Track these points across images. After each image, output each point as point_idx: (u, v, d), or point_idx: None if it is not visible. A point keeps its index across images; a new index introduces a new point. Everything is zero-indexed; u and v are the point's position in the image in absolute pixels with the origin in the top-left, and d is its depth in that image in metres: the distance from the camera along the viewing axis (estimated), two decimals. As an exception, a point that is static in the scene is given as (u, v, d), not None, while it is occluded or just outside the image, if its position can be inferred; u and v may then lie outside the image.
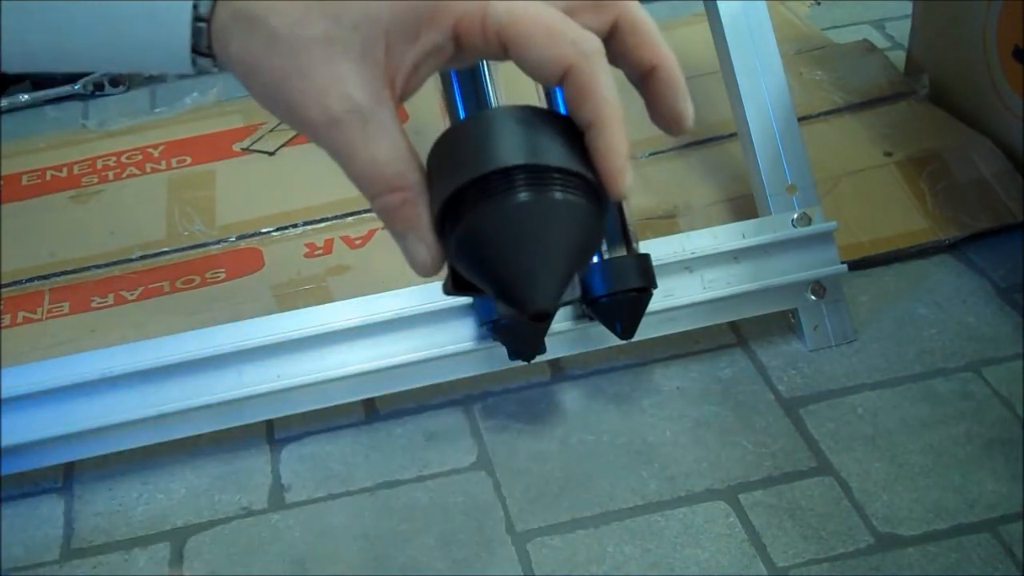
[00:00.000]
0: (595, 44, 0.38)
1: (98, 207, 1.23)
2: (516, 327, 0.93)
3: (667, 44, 0.41)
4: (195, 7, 0.38)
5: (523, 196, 0.35)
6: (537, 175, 0.36)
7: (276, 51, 0.37)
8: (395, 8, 0.36)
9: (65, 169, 1.30)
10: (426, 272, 0.38)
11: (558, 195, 0.36)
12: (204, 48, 0.40)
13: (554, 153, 0.36)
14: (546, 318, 0.38)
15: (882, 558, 0.85)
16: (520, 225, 0.36)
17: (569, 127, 0.37)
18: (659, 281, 0.96)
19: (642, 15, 0.41)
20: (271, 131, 1.31)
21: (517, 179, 0.36)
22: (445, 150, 0.37)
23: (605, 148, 0.37)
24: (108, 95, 1.52)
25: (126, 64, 0.40)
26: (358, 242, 1.13)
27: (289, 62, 0.37)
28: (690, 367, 1.03)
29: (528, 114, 0.38)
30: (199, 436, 0.96)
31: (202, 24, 0.38)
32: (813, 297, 1.03)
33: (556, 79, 0.37)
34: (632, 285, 0.93)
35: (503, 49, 0.38)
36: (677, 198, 1.15)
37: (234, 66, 0.40)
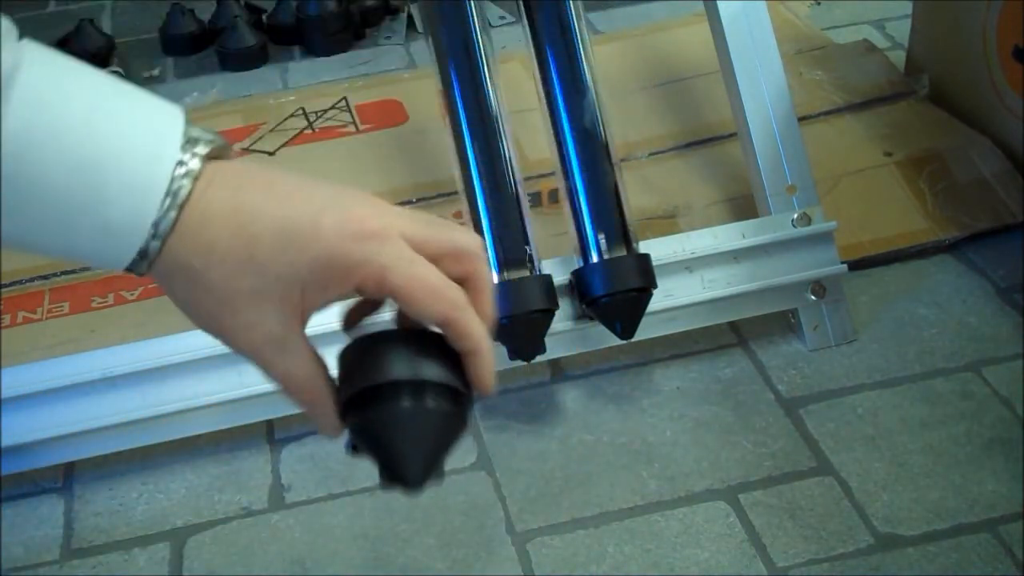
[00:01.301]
0: (464, 298, 0.48)
1: (98, 207, 1.23)
2: (516, 327, 0.93)
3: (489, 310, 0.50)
4: (142, 251, 0.44)
5: (405, 403, 0.48)
6: (417, 387, 0.48)
7: (212, 297, 0.46)
8: (311, 267, 0.45)
9: (65, 169, 1.30)
10: (334, 435, 0.50)
11: (430, 403, 0.48)
12: (140, 272, 0.46)
13: (432, 370, 0.48)
14: (417, 492, 0.49)
15: (882, 558, 0.85)
16: (400, 424, 0.48)
17: (446, 347, 0.49)
18: (659, 281, 0.96)
19: (486, 280, 0.49)
20: (271, 131, 1.31)
21: (402, 389, 0.48)
22: (358, 355, 0.49)
23: (479, 368, 0.49)
24: (108, 95, 1.52)
25: (70, 258, 0.47)
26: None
27: (223, 306, 0.46)
28: (690, 367, 1.03)
29: (418, 337, 0.49)
30: (199, 436, 0.96)
31: (144, 261, 0.45)
32: (813, 297, 1.03)
33: (437, 325, 0.48)
34: (632, 285, 0.93)
35: (396, 301, 0.47)
36: (677, 198, 1.15)
37: (174, 297, 0.47)
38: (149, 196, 0.43)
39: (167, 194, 0.44)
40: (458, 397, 0.49)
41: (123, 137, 0.43)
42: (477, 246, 0.49)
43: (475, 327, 0.48)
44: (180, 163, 0.44)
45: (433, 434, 0.49)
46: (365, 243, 0.45)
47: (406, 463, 0.49)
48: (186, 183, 0.44)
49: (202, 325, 0.48)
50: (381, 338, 0.49)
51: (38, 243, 0.44)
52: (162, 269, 0.45)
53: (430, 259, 0.47)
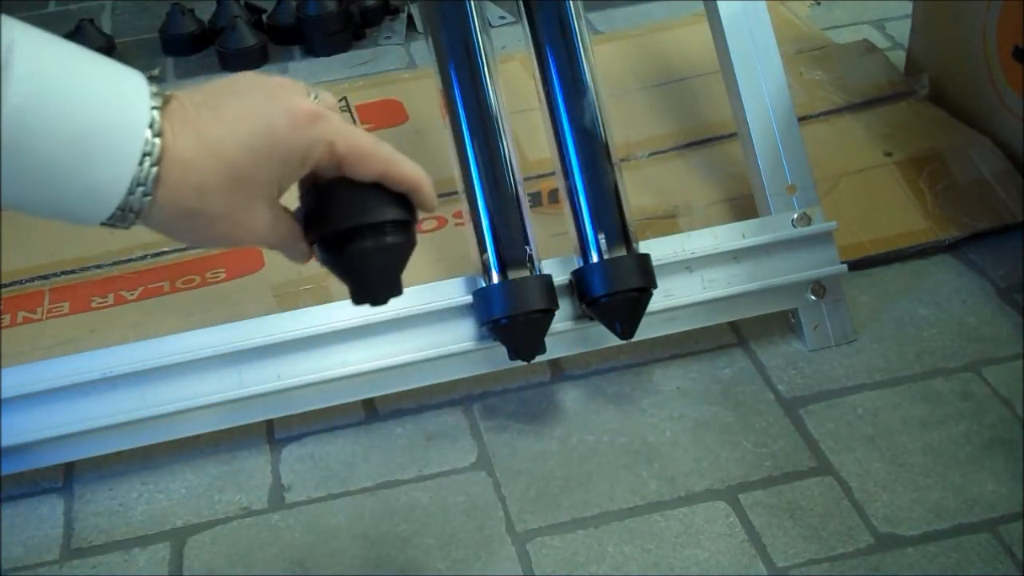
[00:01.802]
0: (393, 151, 0.57)
1: (98, 207, 1.23)
2: (516, 327, 0.93)
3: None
4: (125, 207, 0.50)
5: (368, 243, 0.58)
6: (376, 227, 0.58)
7: (217, 223, 0.53)
8: (282, 163, 0.53)
9: (65, 169, 1.30)
10: (304, 262, 0.60)
11: (388, 239, 0.59)
12: (127, 225, 0.51)
13: (386, 210, 0.58)
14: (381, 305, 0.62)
15: (882, 558, 0.85)
16: (366, 260, 0.59)
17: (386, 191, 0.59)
18: (659, 281, 0.96)
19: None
20: (271, 131, 1.31)
21: (365, 231, 0.58)
22: (324, 199, 0.58)
23: (424, 197, 0.59)
24: (108, 95, 1.52)
25: (54, 217, 0.51)
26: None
27: (228, 224, 0.53)
28: (690, 367, 1.03)
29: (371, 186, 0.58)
30: (199, 436, 0.96)
31: (132, 214, 0.50)
32: (813, 297, 1.03)
33: (379, 179, 0.57)
34: (632, 285, 0.93)
35: (342, 169, 0.56)
36: (677, 198, 1.15)
37: (181, 236, 0.54)
38: (127, 159, 0.48)
39: (144, 155, 0.49)
40: (407, 226, 0.60)
41: (101, 108, 0.48)
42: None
43: (409, 169, 0.58)
44: (149, 125, 0.49)
45: (391, 262, 0.61)
46: (312, 127, 0.54)
47: (373, 287, 0.62)
48: (157, 141, 0.49)
49: (210, 244, 0.58)
50: (337, 182, 0.57)
51: (29, 205, 0.49)
52: (160, 217, 0.51)
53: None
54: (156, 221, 0.51)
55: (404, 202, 0.60)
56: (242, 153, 0.52)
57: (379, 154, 0.56)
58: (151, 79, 0.51)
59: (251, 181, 0.53)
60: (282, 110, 0.53)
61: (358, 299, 0.62)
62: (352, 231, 0.58)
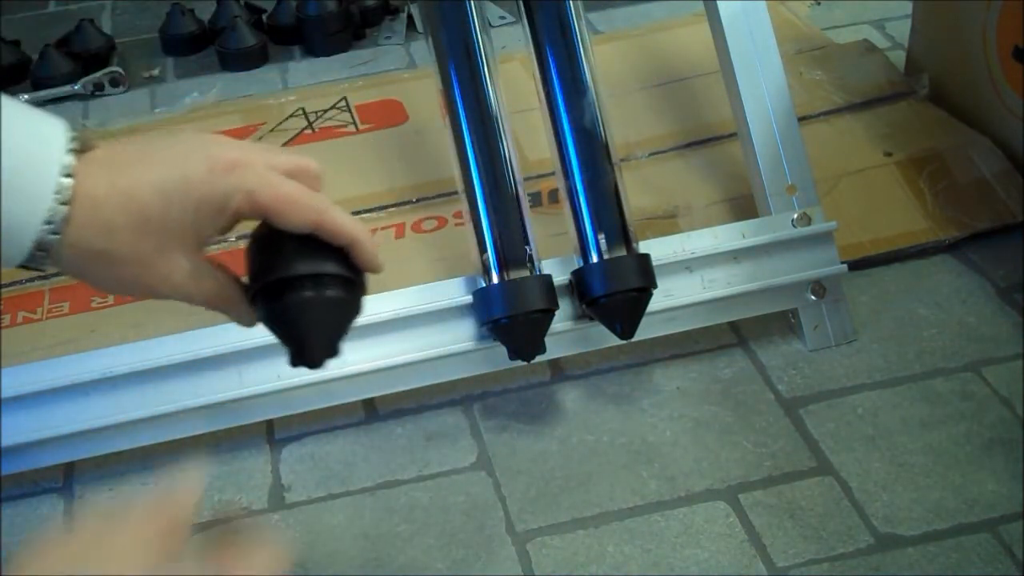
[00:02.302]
0: (326, 202, 0.56)
1: (98, 207, 1.23)
2: (516, 327, 0.93)
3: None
4: (40, 245, 0.50)
5: (308, 293, 0.56)
6: (316, 278, 0.56)
7: (126, 266, 0.52)
8: (195, 210, 0.53)
9: (65, 169, 1.30)
10: (250, 326, 0.59)
11: (329, 292, 0.56)
12: (43, 266, 0.52)
13: (328, 264, 0.56)
14: (317, 368, 0.59)
15: (882, 558, 0.85)
16: (304, 311, 0.56)
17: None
18: (659, 281, 0.96)
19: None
20: (271, 131, 1.31)
21: (305, 281, 0.56)
22: (262, 251, 0.57)
23: (364, 254, 0.58)
24: (108, 95, 1.52)
25: None
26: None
27: (138, 268, 0.53)
28: (690, 367, 1.03)
29: (309, 236, 0.56)
30: (199, 436, 0.96)
31: (43, 253, 0.50)
32: (813, 297, 1.03)
33: (311, 230, 0.55)
34: (632, 285, 0.93)
35: (270, 220, 0.55)
36: (677, 198, 1.15)
37: (92, 279, 0.54)
38: (38, 198, 0.49)
39: (55, 192, 0.49)
40: (351, 285, 0.58)
41: (17, 153, 0.49)
42: (316, 165, 0.57)
43: (345, 222, 0.56)
44: (63, 166, 0.50)
45: (332, 318, 0.58)
46: (230, 175, 0.53)
47: (310, 344, 0.58)
48: (67, 180, 0.50)
49: (128, 291, 0.55)
50: (279, 236, 0.56)
51: None
52: (71, 256, 0.51)
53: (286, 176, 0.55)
54: (68, 262, 0.51)
55: (349, 263, 0.58)
56: (153, 195, 0.52)
57: (309, 203, 0.55)
58: (82, 129, 0.53)
59: (162, 225, 0.52)
60: (200, 157, 0.53)
61: (295, 359, 0.58)
62: (292, 280, 0.56)
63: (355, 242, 0.57)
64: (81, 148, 0.51)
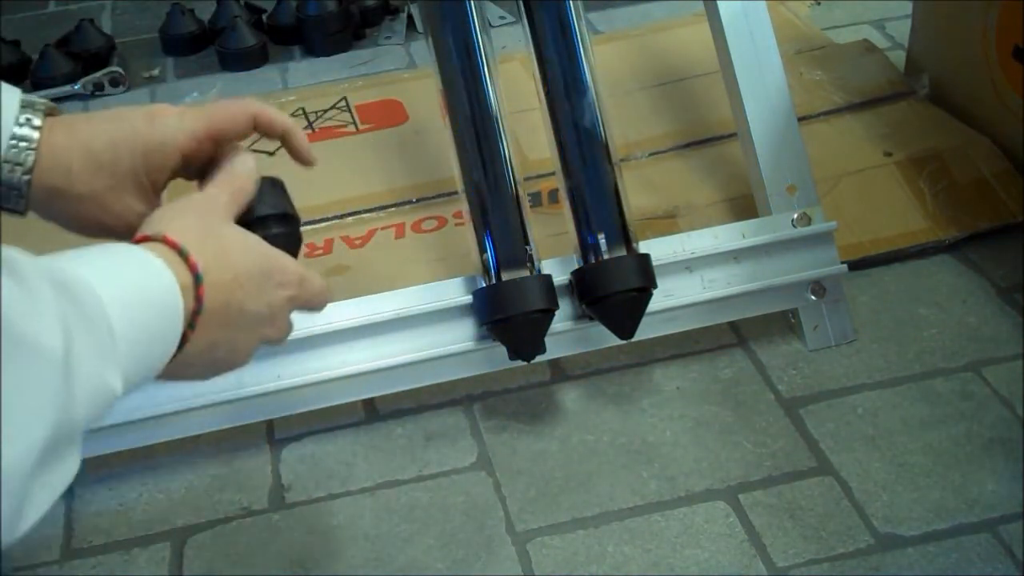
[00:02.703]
0: (256, 102, 0.66)
1: (98, 207, 1.23)
2: (516, 327, 0.93)
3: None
4: (13, 185, 0.60)
5: (273, 230, 0.65)
6: (262, 220, 0.65)
7: (84, 203, 0.62)
8: (144, 156, 0.62)
9: (65, 169, 1.29)
10: None
11: (275, 229, 0.65)
12: (21, 209, 0.61)
13: (265, 207, 0.65)
14: None
15: (882, 558, 0.85)
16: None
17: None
18: (659, 281, 0.96)
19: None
20: (271, 131, 1.31)
21: (270, 219, 0.65)
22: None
23: (298, 142, 0.68)
24: (108, 95, 1.52)
25: None
26: (358, 242, 1.13)
27: (95, 205, 0.62)
28: (690, 367, 1.03)
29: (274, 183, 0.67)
30: (199, 436, 0.96)
31: (16, 192, 0.60)
32: (813, 297, 1.03)
33: (252, 122, 0.65)
34: (632, 285, 0.93)
35: (215, 143, 0.64)
36: (677, 198, 1.15)
37: (60, 217, 0.62)
38: (6, 147, 0.59)
39: (18, 139, 0.59)
40: (289, 219, 0.68)
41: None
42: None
43: (277, 115, 0.66)
44: (23, 123, 0.60)
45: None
46: (168, 118, 0.63)
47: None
48: (33, 132, 0.60)
49: (88, 230, 0.63)
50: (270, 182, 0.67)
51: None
52: (39, 195, 0.61)
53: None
54: (36, 200, 0.61)
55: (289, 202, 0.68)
56: (104, 143, 0.61)
57: (241, 103, 0.65)
58: (40, 101, 0.62)
59: (113, 168, 0.61)
60: (142, 112, 0.63)
61: None
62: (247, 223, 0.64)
63: (291, 131, 0.67)
64: (47, 112, 0.61)
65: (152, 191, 0.63)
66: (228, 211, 0.61)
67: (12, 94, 0.61)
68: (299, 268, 0.63)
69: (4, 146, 0.60)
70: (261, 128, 0.66)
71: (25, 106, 0.61)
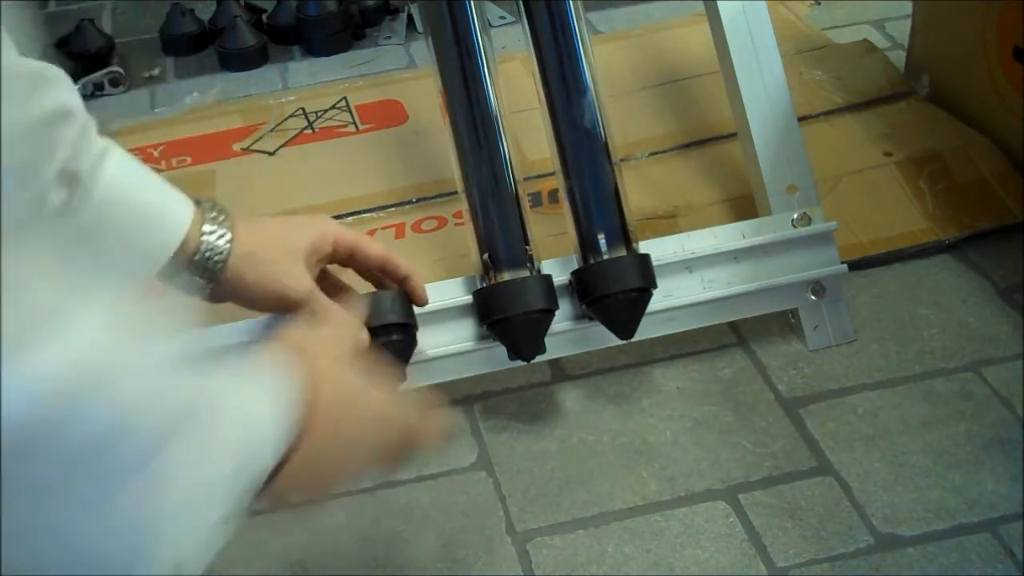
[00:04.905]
0: (393, 254, 0.83)
1: (98, 207, 1.23)
2: (516, 327, 0.93)
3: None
4: (206, 270, 0.73)
5: (395, 337, 0.85)
6: (402, 327, 0.86)
7: (270, 267, 0.75)
8: (311, 240, 0.76)
9: (65, 169, 1.29)
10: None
11: (395, 336, 0.85)
12: (211, 269, 0.73)
13: (391, 315, 0.84)
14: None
15: (882, 558, 0.85)
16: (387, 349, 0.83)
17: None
18: (659, 281, 0.96)
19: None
20: (271, 131, 1.31)
21: (392, 328, 0.85)
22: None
23: (417, 286, 0.85)
24: (108, 95, 1.52)
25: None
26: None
27: (279, 267, 0.75)
28: (690, 367, 1.03)
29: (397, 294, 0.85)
30: (199, 436, 0.96)
31: (219, 258, 0.73)
32: (813, 297, 1.03)
33: (382, 262, 0.82)
34: (632, 285, 0.93)
35: (351, 256, 0.80)
36: (677, 198, 1.15)
37: (241, 277, 0.74)
38: (173, 237, 0.71)
39: (211, 251, 0.72)
40: (407, 328, 0.86)
41: (156, 200, 0.71)
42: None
43: (403, 261, 0.83)
44: (204, 236, 0.72)
45: (399, 355, 0.86)
46: (328, 228, 0.78)
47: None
48: (224, 244, 0.72)
49: (266, 291, 0.75)
50: (379, 296, 0.84)
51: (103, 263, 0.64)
52: (231, 285, 0.73)
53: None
54: (234, 273, 0.73)
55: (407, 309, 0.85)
56: (281, 223, 0.78)
57: (378, 246, 0.81)
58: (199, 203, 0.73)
59: (294, 247, 0.76)
60: (309, 217, 0.82)
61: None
62: (378, 328, 0.82)
63: (412, 275, 0.84)
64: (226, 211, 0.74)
65: (311, 271, 0.76)
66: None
67: (186, 206, 0.72)
68: (400, 418, 0.68)
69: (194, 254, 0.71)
70: (389, 268, 0.82)
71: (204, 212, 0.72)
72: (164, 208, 0.71)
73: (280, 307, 0.75)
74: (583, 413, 1.00)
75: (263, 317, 0.80)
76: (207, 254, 0.72)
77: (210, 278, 0.73)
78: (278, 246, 0.75)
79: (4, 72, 0.57)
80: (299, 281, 0.75)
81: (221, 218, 0.73)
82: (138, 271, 0.70)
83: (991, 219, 1.14)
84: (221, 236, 0.72)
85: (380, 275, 0.84)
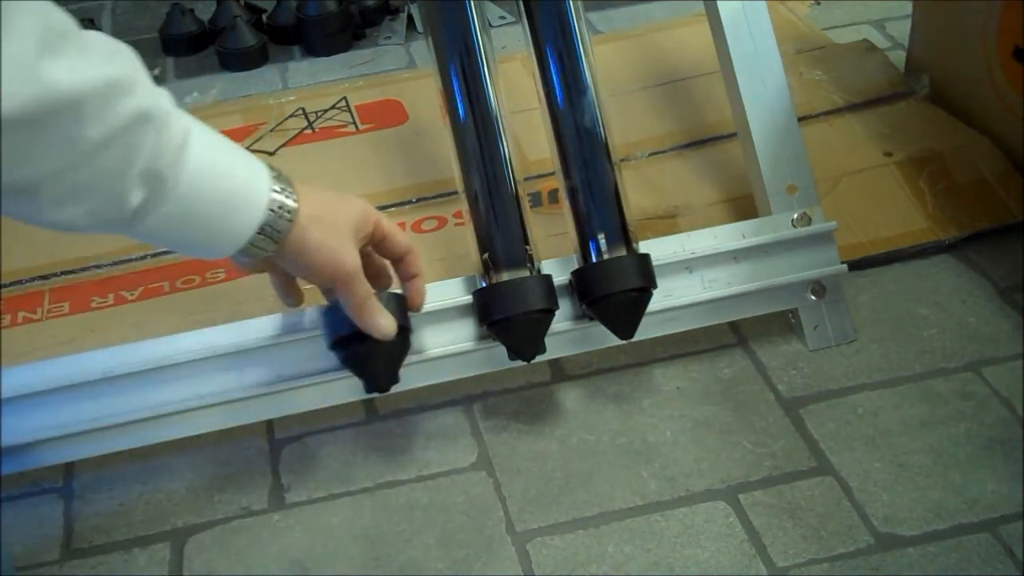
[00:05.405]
0: (409, 241, 0.87)
1: (98, 207, 1.22)
2: (516, 327, 0.93)
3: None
4: (273, 235, 0.75)
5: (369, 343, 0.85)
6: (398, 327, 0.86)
7: (326, 244, 0.78)
8: (357, 221, 0.81)
9: (65, 169, 1.29)
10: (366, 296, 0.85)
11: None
12: (267, 250, 0.76)
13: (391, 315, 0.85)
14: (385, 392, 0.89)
15: (882, 558, 0.85)
16: (372, 355, 0.87)
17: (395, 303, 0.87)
18: (659, 281, 0.96)
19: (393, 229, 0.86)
20: (271, 131, 1.31)
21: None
22: (335, 311, 0.86)
23: (419, 287, 0.89)
24: (108, 95, 1.52)
25: (194, 254, 0.76)
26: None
27: (334, 243, 0.79)
28: (690, 367, 1.04)
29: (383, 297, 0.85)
30: (199, 436, 0.96)
31: (272, 241, 0.75)
32: (813, 297, 1.03)
33: (403, 252, 0.86)
34: (632, 285, 0.93)
35: (383, 240, 0.84)
36: (677, 198, 1.15)
37: (308, 251, 0.78)
38: (259, 200, 0.73)
39: (278, 209, 0.74)
40: (401, 330, 0.85)
41: (239, 180, 0.72)
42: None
43: (420, 261, 0.88)
44: (274, 193, 0.74)
45: (389, 356, 0.88)
46: (370, 209, 0.82)
47: (379, 377, 0.88)
48: (293, 204, 0.75)
49: (323, 258, 0.78)
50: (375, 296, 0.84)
51: (183, 246, 0.72)
52: (294, 246, 0.76)
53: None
54: (292, 248, 0.76)
55: (404, 314, 0.87)
56: (335, 216, 0.79)
57: (405, 237, 0.86)
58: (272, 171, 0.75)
59: (345, 220, 0.79)
60: (355, 199, 0.82)
61: (368, 387, 0.89)
62: (357, 333, 0.84)
63: (421, 274, 0.88)
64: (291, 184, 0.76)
65: (358, 248, 0.80)
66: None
67: (262, 169, 0.74)
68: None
69: (264, 215, 0.73)
70: (406, 261, 0.87)
71: (274, 178, 0.75)
72: (245, 189, 0.72)
73: (330, 277, 0.79)
74: (583, 413, 1.00)
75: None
76: (278, 212, 0.73)
77: (277, 238, 0.74)
78: (337, 215, 0.78)
79: (83, 90, 0.59)
80: (352, 254, 0.79)
81: (284, 178, 0.75)
82: (220, 249, 0.74)
83: (991, 219, 1.14)
84: (289, 195, 0.74)
85: (394, 264, 0.87)
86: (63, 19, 0.59)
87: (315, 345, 0.92)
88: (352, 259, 0.79)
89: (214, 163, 0.70)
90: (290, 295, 0.87)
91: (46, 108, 0.57)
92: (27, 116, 0.56)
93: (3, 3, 0.55)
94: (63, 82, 0.57)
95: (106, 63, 0.61)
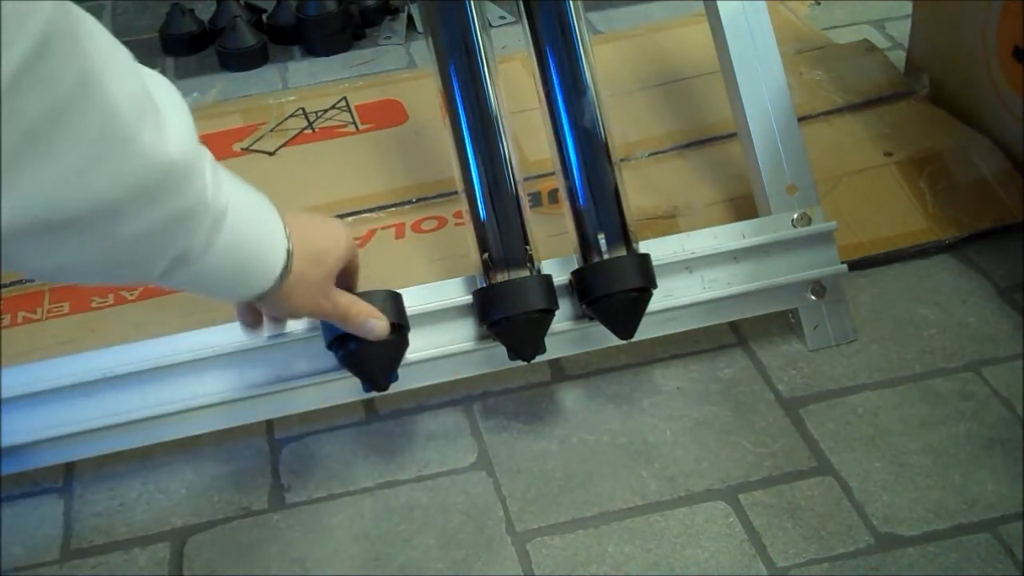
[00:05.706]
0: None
1: (98, 207, 1.22)
2: (516, 327, 0.93)
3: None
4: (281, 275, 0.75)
5: (362, 343, 0.87)
6: (391, 325, 0.87)
7: (312, 286, 0.79)
8: (338, 259, 0.82)
9: (65, 169, 1.29)
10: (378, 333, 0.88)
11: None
12: (274, 291, 0.76)
13: (388, 313, 0.87)
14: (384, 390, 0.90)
15: (882, 558, 0.85)
16: (368, 353, 0.87)
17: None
18: (659, 281, 0.96)
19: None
20: (271, 131, 1.31)
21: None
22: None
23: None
24: (108, 95, 1.52)
25: (223, 299, 0.78)
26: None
27: (319, 286, 0.80)
28: (690, 367, 1.04)
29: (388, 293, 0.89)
30: (199, 436, 0.96)
31: (279, 282, 0.75)
32: (813, 297, 1.03)
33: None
34: (632, 285, 0.93)
35: (346, 272, 0.85)
36: (677, 198, 1.15)
37: (296, 298, 0.78)
38: (274, 269, 0.74)
39: (287, 247, 0.75)
40: (398, 328, 0.88)
41: (264, 241, 0.73)
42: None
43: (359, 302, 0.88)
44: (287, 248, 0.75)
45: (387, 355, 0.89)
46: (352, 248, 0.84)
47: (377, 376, 0.89)
48: (289, 267, 0.75)
49: (311, 300, 0.80)
50: (370, 295, 0.87)
51: (213, 294, 0.74)
52: (281, 295, 0.76)
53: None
54: (287, 289, 0.76)
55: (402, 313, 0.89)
56: (320, 253, 0.79)
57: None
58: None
59: (327, 269, 0.80)
60: (342, 235, 0.83)
61: (366, 386, 0.90)
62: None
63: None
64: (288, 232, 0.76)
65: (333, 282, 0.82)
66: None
67: (278, 221, 0.75)
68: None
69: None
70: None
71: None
72: (266, 252, 0.73)
73: (308, 317, 0.84)
74: (583, 413, 1.00)
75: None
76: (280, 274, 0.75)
77: (269, 293, 0.75)
78: (322, 266, 0.80)
79: (133, 181, 0.54)
80: (329, 300, 0.82)
81: (289, 236, 0.76)
82: (235, 299, 0.79)
83: (991, 219, 1.14)
84: (289, 259, 0.75)
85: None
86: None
87: (315, 345, 0.92)
88: (329, 305, 0.81)
89: (239, 239, 0.68)
90: (250, 318, 0.85)
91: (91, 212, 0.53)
92: (68, 219, 0.52)
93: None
94: (105, 192, 0.53)
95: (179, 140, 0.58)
